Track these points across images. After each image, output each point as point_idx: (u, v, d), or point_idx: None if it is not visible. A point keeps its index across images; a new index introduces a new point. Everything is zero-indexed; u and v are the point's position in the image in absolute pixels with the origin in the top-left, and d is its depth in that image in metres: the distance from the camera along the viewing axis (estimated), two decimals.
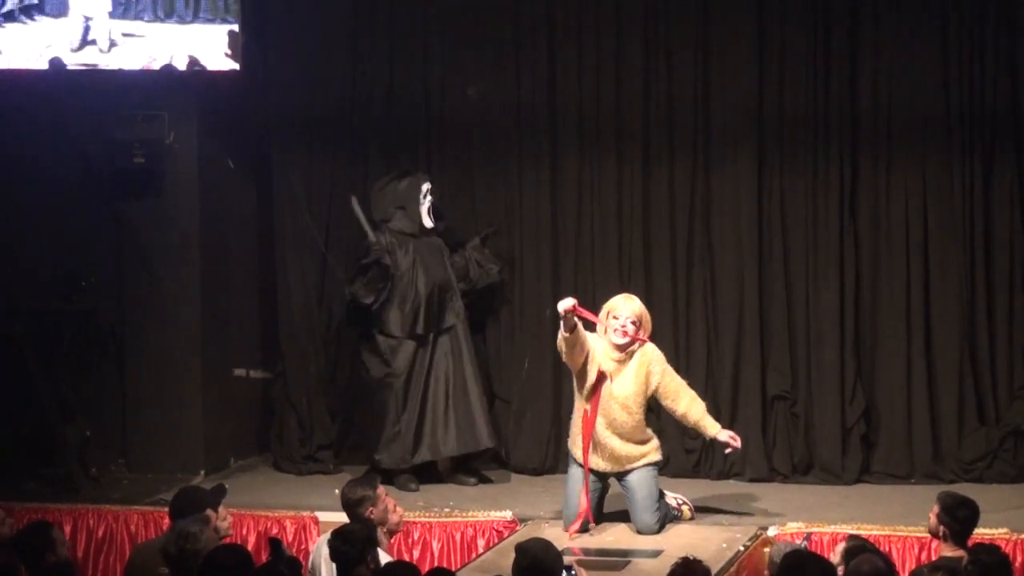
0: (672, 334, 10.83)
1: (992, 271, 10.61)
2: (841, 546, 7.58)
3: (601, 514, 9.26)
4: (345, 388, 11.19)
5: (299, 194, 11.12)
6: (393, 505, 8.14)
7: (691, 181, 10.85)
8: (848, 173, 10.67)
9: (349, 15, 11.13)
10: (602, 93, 10.89)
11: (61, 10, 10.74)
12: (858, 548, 7.47)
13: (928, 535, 8.14)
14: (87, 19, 10.69)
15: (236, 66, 10.68)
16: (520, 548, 6.95)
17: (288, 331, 11.19)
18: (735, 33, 10.74)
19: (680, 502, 9.42)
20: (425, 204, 10.60)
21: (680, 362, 10.80)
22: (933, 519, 7.71)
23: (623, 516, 9.28)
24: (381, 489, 8.11)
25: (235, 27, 10.63)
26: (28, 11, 10.73)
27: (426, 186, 10.62)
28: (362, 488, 8.07)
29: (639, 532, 9.06)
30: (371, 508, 7.94)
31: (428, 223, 10.63)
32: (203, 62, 10.67)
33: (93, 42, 10.69)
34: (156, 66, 10.73)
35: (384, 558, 7.40)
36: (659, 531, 9.04)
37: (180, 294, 10.92)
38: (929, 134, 10.59)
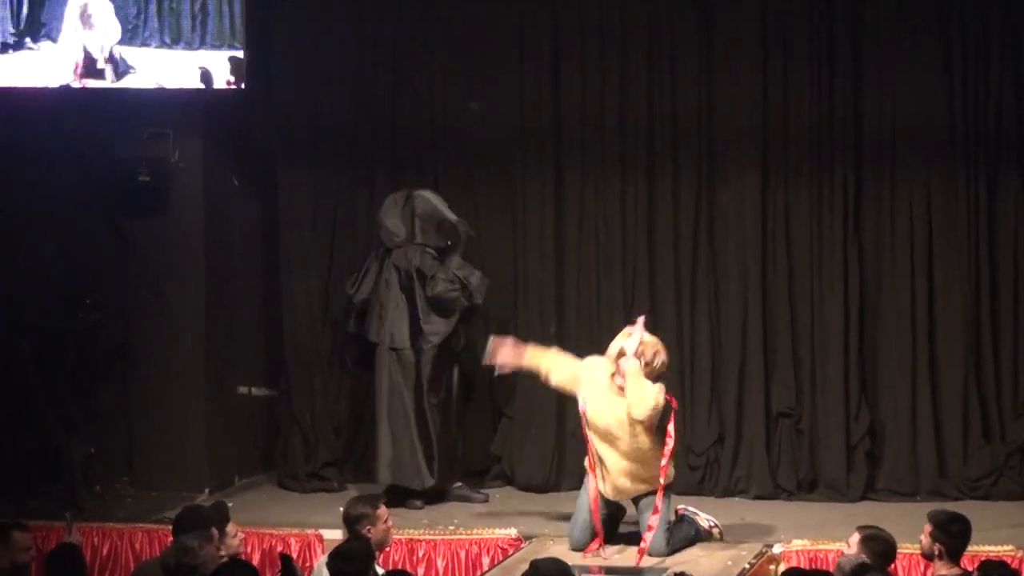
0: (676, 349, 10.80)
1: (996, 287, 10.61)
2: (855, 536, 7.58)
3: (615, 536, 9.12)
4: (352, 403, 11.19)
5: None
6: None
7: (695, 195, 10.86)
8: (852, 187, 10.68)
9: (353, 32, 11.14)
10: (606, 107, 10.90)
11: (64, 37, 10.74)
12: (871, 537, 7.51)
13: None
14: (89, 47, 10.68)
15: (240, 86, 10.69)
16: (534, 565, 6.94)
17: (293, 348, 11.19)
18: (739, 48, 10.74)
19: (711, 524, 9.25)
20: None
21: (684, 377, 10.82)
22: (926, 540, 7.66)
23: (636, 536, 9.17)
24: (383, 509, 8.11)
25: (239, 54, 10.61)
26: (35, 35, 10.73)
27: None
28: (362, 506, 8.09)
29: (649, 554, 8.97)
30: (369, 527, 7.95)
31: None
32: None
33: (100, 71, 10.69)
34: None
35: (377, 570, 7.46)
36: (669, 553, 8.94)
37: (185, 311, 10.91)
38: (933, 148, 10.59)
